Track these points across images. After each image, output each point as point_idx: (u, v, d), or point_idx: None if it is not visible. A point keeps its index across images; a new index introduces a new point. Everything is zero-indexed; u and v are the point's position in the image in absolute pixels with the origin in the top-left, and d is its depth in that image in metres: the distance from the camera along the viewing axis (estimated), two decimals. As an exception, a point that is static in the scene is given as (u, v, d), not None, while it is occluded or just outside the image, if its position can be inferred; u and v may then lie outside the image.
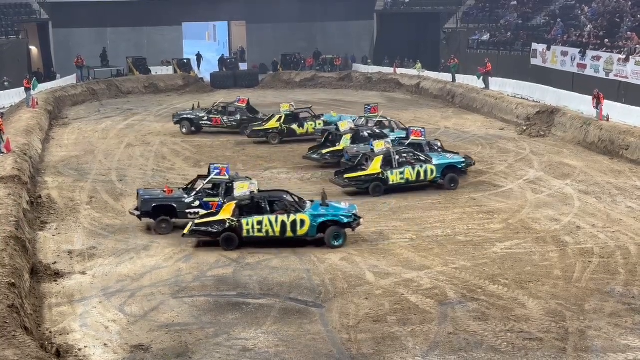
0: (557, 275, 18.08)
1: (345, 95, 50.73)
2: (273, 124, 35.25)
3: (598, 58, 38.62)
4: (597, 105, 33.29)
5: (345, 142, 29.47)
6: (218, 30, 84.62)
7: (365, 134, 29.97)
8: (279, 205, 20.56)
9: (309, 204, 20.89)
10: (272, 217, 20.10)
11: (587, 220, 22.26)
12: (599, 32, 41.17)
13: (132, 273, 18.78)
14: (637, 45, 36.50)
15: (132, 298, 17.18)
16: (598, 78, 37.09)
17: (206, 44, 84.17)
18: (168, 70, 58.12)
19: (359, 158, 26.84)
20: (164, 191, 22.43)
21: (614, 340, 14.57)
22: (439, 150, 28.28)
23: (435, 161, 26.22)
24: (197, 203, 21.85)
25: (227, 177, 22.17)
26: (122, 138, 36.80)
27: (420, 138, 28.24)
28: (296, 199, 20.90)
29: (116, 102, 50.06)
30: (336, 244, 20.20)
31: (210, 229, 20.22)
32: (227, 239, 20.15)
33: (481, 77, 44.95)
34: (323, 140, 30.76)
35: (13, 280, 15.78)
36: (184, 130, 37.47)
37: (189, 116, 37.80)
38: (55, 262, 19.42)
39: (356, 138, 29.72)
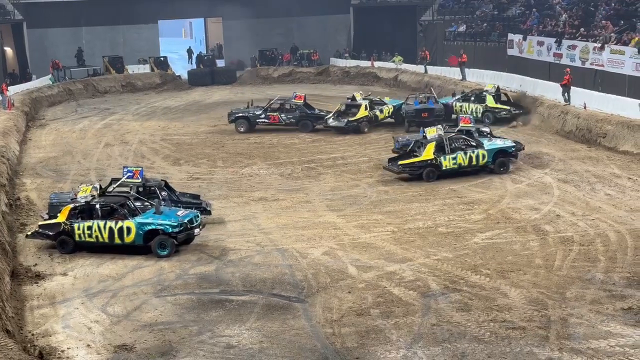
0: (538, 264, 18.18)
1: (324, 90, 50.72)
2: (363, 112, 35.36)
3: (574, 47, 38.88)
4: (565, 89, 33.89)
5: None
6: (194, 27, 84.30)
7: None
8: (118, 212, 20.12)
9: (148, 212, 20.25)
10: (101, 223, 19.78)
11: (566, 209, 22.40)
12: (574, 21, 41.44)
13: (114, 273, 18.70)
14: (612, 34, 36.75)
15: (115, 298, 17.10)
16: (574, 67, 37.29)
17: (183, 41, 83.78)
18: (145, 69, 57.85)
19: (412, 145, 27.22)
20: (75, 194, 22.18)
21: (595, 327, 14.67)
22: (488, 136, 28.58)
23: (487, 146, 26.64)
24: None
25: (140, 180, 21.90)
26: (100, 138, 36.61)
27: (470, 125, 28.42)
28: (134, 205, 20.22)
29: (93, 101, 49.80)
30: (161, 253, 19.47)
31: (48, 231, 20.26)
32: (62, 242, 20.12)
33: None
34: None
35: (-7, 284, 15.68)
36: (241, 129, 36.41)
37: (245, 114, 36.71)
38: (35, 264, 19.31)
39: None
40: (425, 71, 49.44)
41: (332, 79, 56.33)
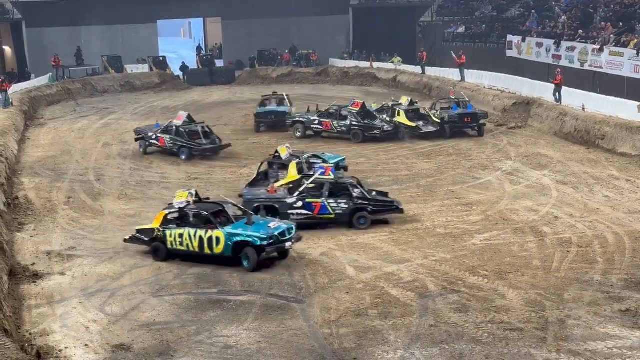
0: (536, 265, 18.19)
1: (323, 90, 50.69)
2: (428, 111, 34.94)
3: (573, 49, 38.91)
4: (557, 88, 34.09)
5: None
6: (193, 27, 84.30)
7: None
8: (206, 219, 19.16)
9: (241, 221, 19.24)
10: (192, 231, 18.94)
11: (564, 210, 22.41)
12: (573, 23, 41.48)
13: (112, 272, 18.68)
14: (611, 35, 36.79)
15: (113, 298, 17.09)
16: (573, 68, 37.35)
17: (181, 41, 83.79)
18: (144, 68, 57.78)
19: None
20: (268, 190, 22.19)
21: (593, 329, 14.69)
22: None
23: (331, 160, 25.32)
24: (299, 204, 21.48)
25: (332, 177, 21.72)
26: (98, 137, 36.55)
27: None
28: (229, 214, 19.45)
29: (92, 101, 49.69)
30: (246, 265, 18.49)
31: (143, 237, 19.78)
32: (155, 249, 19.49)
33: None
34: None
35: (-9, 283, 15.67)
36: (297, 133, 34.61)
37: (301, 119, 35.00)
38: (33, 264, 19.27)
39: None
40: (423, 72, 49.41)
41: (331, 80, 56.26)
